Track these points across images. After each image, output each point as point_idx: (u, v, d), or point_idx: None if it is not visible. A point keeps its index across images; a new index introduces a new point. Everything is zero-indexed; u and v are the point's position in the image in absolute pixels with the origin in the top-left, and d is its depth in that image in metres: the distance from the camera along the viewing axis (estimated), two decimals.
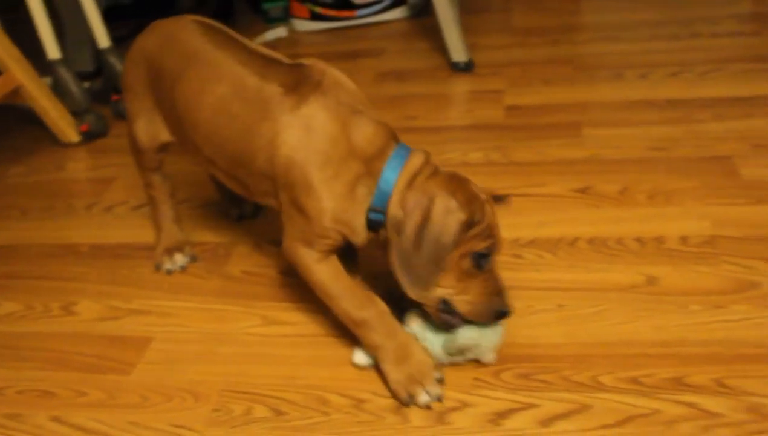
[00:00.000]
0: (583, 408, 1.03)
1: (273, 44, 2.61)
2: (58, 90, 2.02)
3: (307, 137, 1.07)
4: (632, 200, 1.44)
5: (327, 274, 1.12)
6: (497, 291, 1.07)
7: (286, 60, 1.17)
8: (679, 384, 1.04)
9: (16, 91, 1.94)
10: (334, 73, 1.13)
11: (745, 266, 1.24)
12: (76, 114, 2.04)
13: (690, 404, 1.01)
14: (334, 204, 1.07)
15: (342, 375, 1.14)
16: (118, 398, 1.16)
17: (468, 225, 1.02)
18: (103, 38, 2.10)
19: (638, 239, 1.33)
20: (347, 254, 1.21)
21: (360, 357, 1.14)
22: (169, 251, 1.44)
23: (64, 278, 1.47)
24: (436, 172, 1.08)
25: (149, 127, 1.33)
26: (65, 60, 2.02)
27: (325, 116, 1.07)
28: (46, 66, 1.99)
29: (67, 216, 1.70)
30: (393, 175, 1.07)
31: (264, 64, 1.15)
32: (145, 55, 1.30)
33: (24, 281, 1.48)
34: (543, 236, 1.38)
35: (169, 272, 1.42)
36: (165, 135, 1.33)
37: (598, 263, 1.29)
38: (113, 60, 2.12)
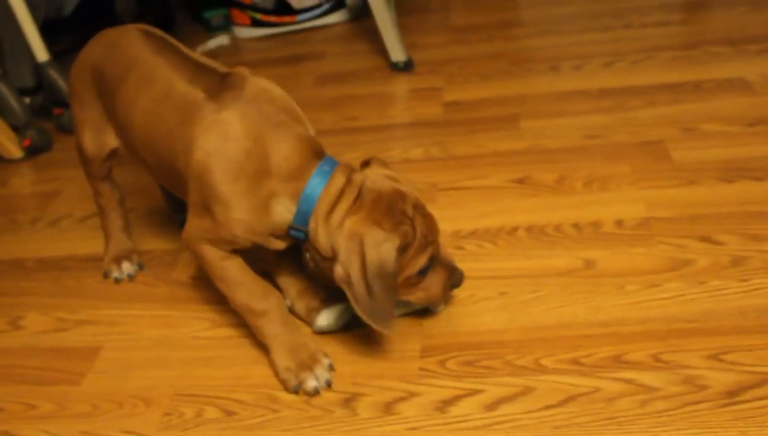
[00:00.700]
0: (526, 391, 1.06)
1: (215, 52, 2.61)
2: None
3: (222, 145, 1.06)
4: (569, 188, 1.48)
5: (231, 269, 1.13)
6: (448, 275, 1.12)
7: (220, 69, 1.16)
8: (618, 362, 1.08)
9: None
10: (259, 81, 1.11)
11: (678, 245, 1.28)
12: (18, 129, 2.03)
13: (628, 381, 1.04)
14: (247, 216, 1.06)
15: None
16: (68, 409, 1.17)
17: (403, 248, 1.04)
18: (41, 52, 2.08)
19: (575, 225, 1.37)
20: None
21: (323, 320, 1.19)
22: (118, 260, 1.44)
23: (11, 293, 1.46)
24: (359, 198, 1.05)
25: (97, 136, 1.33)
26: (4, 75, 2.00)
27: (242, 126, 1.06)
28: None
29: (11, 231, 1.69)
30: (315, 193, 1.06)
31: (195, 70, 1.15)
32: (91, 64, 1.30)
33: None
34: (483, 226, 1.41)
35: (117, 281, 1.43)
36: (113, 142, 1.33)
37: (537, 250, 1.33)
38: (53, 74, 2.10)
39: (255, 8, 2.62)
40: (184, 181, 1.14)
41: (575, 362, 1.09)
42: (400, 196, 1.07)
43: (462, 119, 1.82)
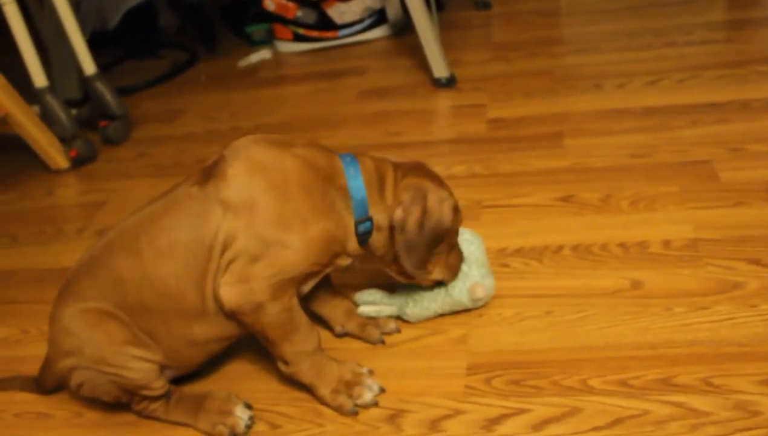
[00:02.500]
0: (574, 411, 1.05)
1: (257, 66, 2.64)
2: (46, 117, 2.04)
3: (262, 185, 1.03)
4: (615, 207, 1.47)
5: (295, 315, 1.08)
6: (460, 257, 1.22)
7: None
8: (667, 385, 1.06)
9: (4, 120, 1.96)
10: (237, 143, 1.09)
11: (727, 267, 1.26)
12: (65, 140, 2.06)
13: (678, 404, 1.03)
14: (324, 225, 1.05)
15: None
16: (114, 418, 1.18)
17: (456, 209, 1.14)
18: (88, 65, 2.12)
19: (622, 245, 1.36)
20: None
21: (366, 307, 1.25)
22: None
23: None
24: (402, 168, 1.13)
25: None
26: (52, 88, 2.04)
27: (265, 157, 1.05)
28: (34, 94, 2.01)
29: (58, 241, 1.72)
30: (358, 184, 1.09)
31: (156, 197, 1.11)
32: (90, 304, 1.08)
33: (18, 306, 1.49)
34: (528, 244, 1.40)
35: None
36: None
37: (583, 270, 1.32)
38: (100, 86, 2.14)
39: (297, 23, 2.65)
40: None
41: (623, 383, 1.08)
42: (428, 168, 1.17)
43: (505, 136, 1.81)
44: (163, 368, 1.12)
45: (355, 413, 1.10)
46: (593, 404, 1.05)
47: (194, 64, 2.79)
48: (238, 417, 1.11)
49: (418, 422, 1.07)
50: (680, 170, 1.55)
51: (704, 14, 2.37)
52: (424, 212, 1.10)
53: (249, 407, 1.13)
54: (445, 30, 2.58)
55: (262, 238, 1.02)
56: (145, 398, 1.12)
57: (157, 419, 1.15)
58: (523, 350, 1.16)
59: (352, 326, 1.25)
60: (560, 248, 1.38)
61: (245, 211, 1.03)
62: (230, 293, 1.04)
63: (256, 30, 2.82)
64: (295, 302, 1.08)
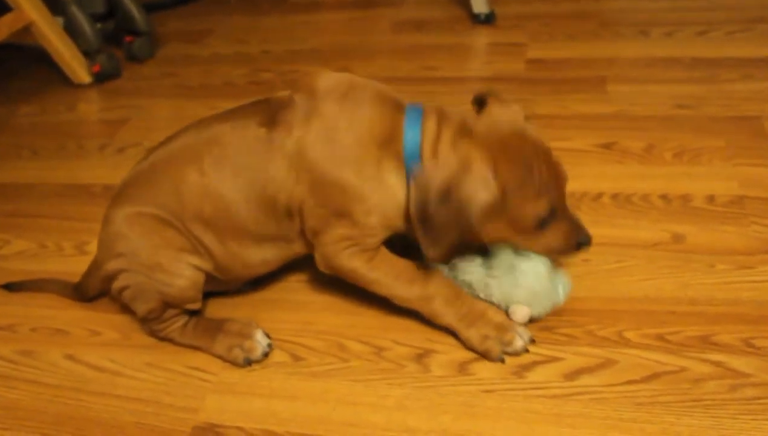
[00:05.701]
0: (608, 363, 1.01)
1: None
2: (70, 30, 1.98)
3: (327, 148, 0.99)
4: (658, 158, 1.41)
5: (382, 266, 1.05)
6: (571, 230, 1.01)
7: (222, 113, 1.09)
8: (706, 343, 1.02)
9: (27, 29, 1.90)
10: (304, 82, 1.04)
11: None
12: (88, 54, 2.00)
13: (717, 363, 0.99)
14: (377, 198, 1.00)
15: (360, 323, 1.12)
16: (132, 339, 1.15)
17: (497, 203, 0.94)
18: None
19: (664, 197, 1.31)
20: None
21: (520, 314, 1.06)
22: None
23: (77, 217, 1.45)
24: (463, 129, 0.98)
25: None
26: (77, 0, 1.98)
27: (319, 126, 0.99)
28: (59, 6, 1.95)
29: (79, 157, 1.67)
30: (414, 145, 0.99)
31: (222, 116, 1.08)
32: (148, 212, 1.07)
33: (36, 220, 1.46)
34: (566, 190, 1.34)
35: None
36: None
37: (623, 219, 1.27)
38: (126, 1, 2.07)
39: None
40: (286, 219, 1.06)
41: (661, 338, 1.04)
42: (518, 135, 0.97)
43: (546, 78, 1.74)
44: (208, 280, 1.11)
45: (502, 361, 1.03)
46: (629, 357, 1.02)
47: None
48: (256, 341, 1.08)
49: (446, 363, 1.04)
50: (728, 125, 1.49)
51: None
52: (454, 184, 0.92)
53: (268, 336, 1.10)
54: None
55: (323, 206, 1.01)
56: (175, 315, 1.10)
57: (171, 340, 1.12)
58: None
59: None
60: (599, 195, 1.33)
61: (306, 176, 1.00)
62: (317, 259, 1.07)
63: None
64: (379, 258, 1.05)
